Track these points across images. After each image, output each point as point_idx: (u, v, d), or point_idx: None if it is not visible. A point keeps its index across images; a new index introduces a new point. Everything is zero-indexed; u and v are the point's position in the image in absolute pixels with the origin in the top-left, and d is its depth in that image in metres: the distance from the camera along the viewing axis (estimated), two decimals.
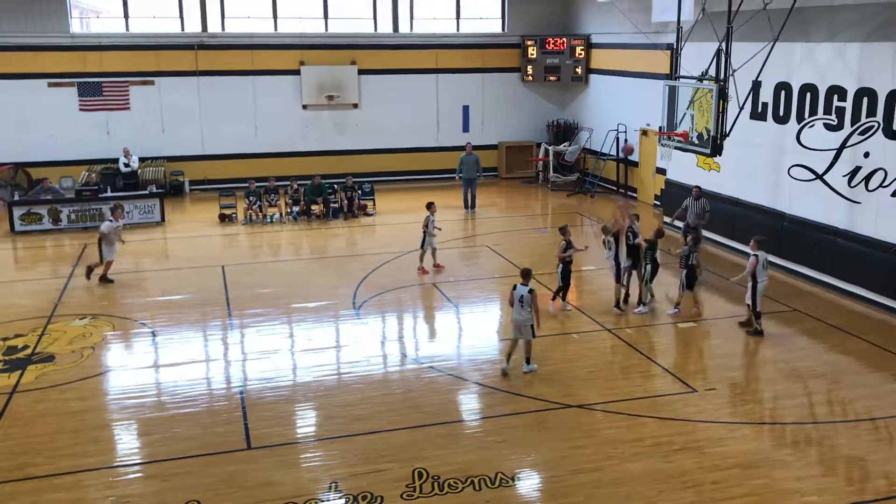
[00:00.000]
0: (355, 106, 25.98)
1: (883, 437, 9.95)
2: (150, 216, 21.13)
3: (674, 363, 12.27)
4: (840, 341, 13.06)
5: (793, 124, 16.35)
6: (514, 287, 11.55)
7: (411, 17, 26.32)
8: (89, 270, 16.09)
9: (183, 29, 24.50)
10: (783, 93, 16.55)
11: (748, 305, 13.33)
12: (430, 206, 16.61)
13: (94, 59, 23.72)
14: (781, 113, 16.65)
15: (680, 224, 17.00)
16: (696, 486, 8.78)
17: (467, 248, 19.25)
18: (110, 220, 16.23)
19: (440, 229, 16.71)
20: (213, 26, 24.68)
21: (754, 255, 13.12)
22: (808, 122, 15.95)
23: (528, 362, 11.75)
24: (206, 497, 8.58)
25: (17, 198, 21.43)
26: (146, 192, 21.88)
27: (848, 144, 15.02)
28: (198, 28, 24.57)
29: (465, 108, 27.17)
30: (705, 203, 16.53)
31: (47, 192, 20.97)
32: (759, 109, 17.15)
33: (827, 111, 15.47)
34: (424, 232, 16.35)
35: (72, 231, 20.39)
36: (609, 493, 8.65)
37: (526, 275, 11.68)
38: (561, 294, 14.34)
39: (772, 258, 16.89)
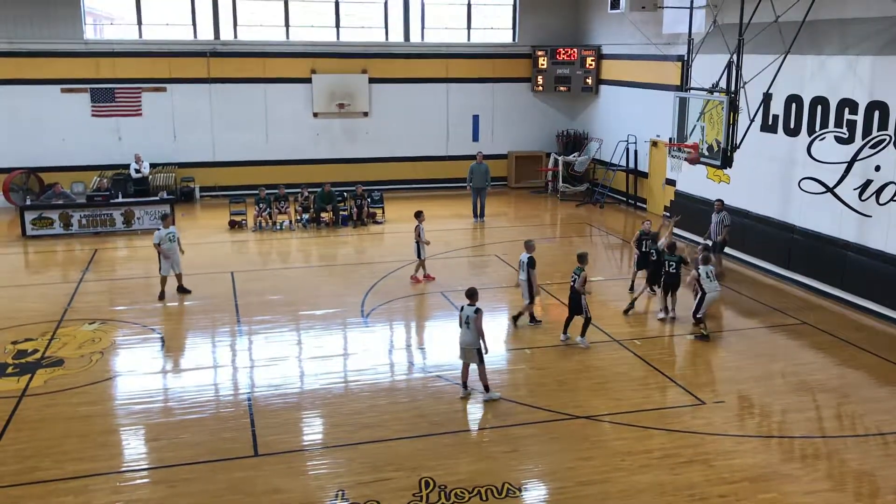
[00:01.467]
0: (366, 114, 26.06)
1: (892, 453, 9.88)
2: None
3: (683, 375, 12.22)
4: (850, 355, 13.00)
5: (803, 137, 16.32)
6: (461, 308, 11.05)
7: (422, 27, 26.42)
8: (178, 289, 15.70)
9: (195, 36, 24.66)
10: (794, 105, 16.53)
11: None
12: (418, 214, 16.56)
13: (107, 65, 23.90)
14: (792, 125, 16.63)
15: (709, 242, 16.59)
16: (703, 500, 8.73)
17: (476, 256, 19.25)
18: (158, 230, 15.62)
19: (428, 242, 16.58)
20: (226, 34, 24.83)
21: (696, 269, 13.71)
22: (819, 135, 15.92)
23: (486, 390, 11.08)
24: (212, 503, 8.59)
25: (28, 202, 21.54)
26: (157, 198, 21.99)
27: (859, 158, 14.98)
28: (210, 36, 24.72)
29: (475, 118, 27.22)
30: (723, 217, 16.45)
31: (59, 197, 21.09)
32: (770, 122, 17.13)
33: (838, 124, 15.44)
34: (417, 242, 16.36)
35: (83, 236, 20.51)
36: None
37: (472, 294, 11.10)
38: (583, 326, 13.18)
39: (781, 271, 16.92)
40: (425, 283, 16.40)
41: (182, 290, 15.77)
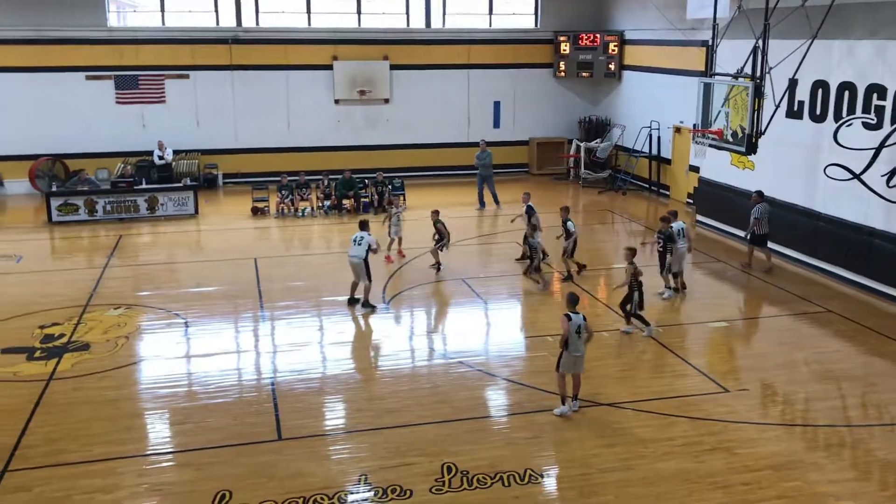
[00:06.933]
0: (387, 101, 26.06)
1: None
2: (184, 208, 21.38)
3: (705, 363, 12.16)
4: (876, 344, 12.86)
5: (830, 123, 16.10)
6: (568, 317, 10.08)
7: (444, 13, 26.34)
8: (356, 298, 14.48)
9: (218, 23, 24.73)
10: (820, 91, 16.30)
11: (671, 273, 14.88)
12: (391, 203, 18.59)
13: (131, 52, 24.04)
14: (818, 111, 16.40)
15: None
16: (726, 487, 8.70)
17: (496, 244, 19.21)
18: (367, 234, 14.27)
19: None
20: (248, 21, 24.89)
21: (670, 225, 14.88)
22: (846, 121, 15.70)
23: (575, 398, 10.48)
24: (237, 487, 8.68)
25: (54, 189, 21.79)
26: (180, 184, 22.14)
27: (887, 144, 14.75)
28: (232, 22, 24.78)
29: (497, 104, 27.12)
30: (754, 210, 16.33)
31: (84, 184, 21.29)
32: (795, 108, 16.91)
33: (866, 110, 15.22)
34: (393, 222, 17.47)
35: (107, 222, 20.70)
36: (639, 493, 8.61)
37: (575, 301, 10.36)
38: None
39: (805, 258, 16.76)
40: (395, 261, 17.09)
41: (360, 302, 14.38)
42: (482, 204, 22.46)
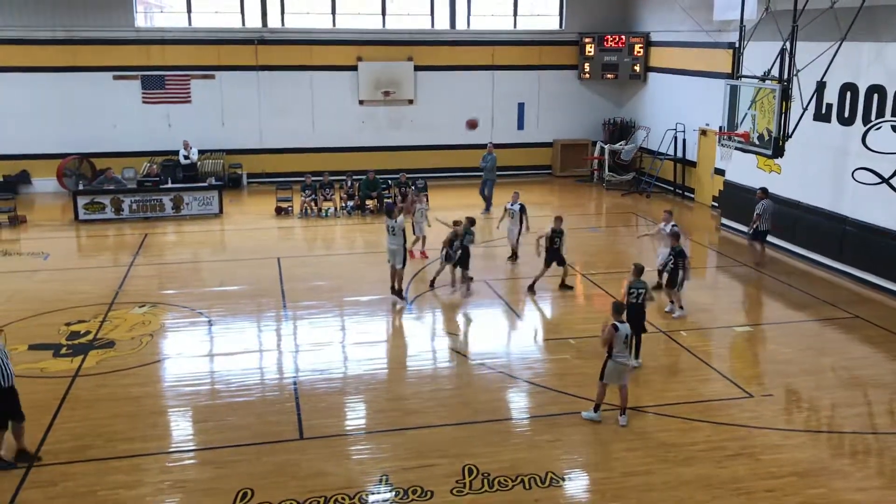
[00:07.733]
0: (411, 102, 26.09)
1: None
2: (209, 208, 21.54)
3: (729, 367, 12.05)
4: None
5: (858, 126, 15.90)
6: (615, 327, 9.89)
7: (468, 14, 26.32)
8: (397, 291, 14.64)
9: (244, 24, 24.90)
10: (849, 94, 16.10)
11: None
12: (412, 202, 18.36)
13: (158, 52, 24.26)
14: (846, 114, 16.20)
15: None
16: (749, 494, 8.62)
17: (518, 246, 19.13)
18: (398, 221, 14.36)
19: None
20: (273, 22, 25.04)
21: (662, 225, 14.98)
22: (875, 125, 15.50)
23: (623, 412, 10.23)
24: (258, 485, 8.72)
25: (81, 187, 22.04)
26: (205, 184, 22.30)
27: None
28: (258, 23, 24.94)
29: (521, 106, 27.07)
30: (758, 206, 16.62)
31: (110, 183, 21.51)
32: (823, 111, 16.72)
33: (895, 113, 15.00)
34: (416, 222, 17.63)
35: (133, 221, 20.90)
36: (661, 497, 8.55)
37: (621, 309, 10.15)
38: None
39: (832, 262, 16.56)
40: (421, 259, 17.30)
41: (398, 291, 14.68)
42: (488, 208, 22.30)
